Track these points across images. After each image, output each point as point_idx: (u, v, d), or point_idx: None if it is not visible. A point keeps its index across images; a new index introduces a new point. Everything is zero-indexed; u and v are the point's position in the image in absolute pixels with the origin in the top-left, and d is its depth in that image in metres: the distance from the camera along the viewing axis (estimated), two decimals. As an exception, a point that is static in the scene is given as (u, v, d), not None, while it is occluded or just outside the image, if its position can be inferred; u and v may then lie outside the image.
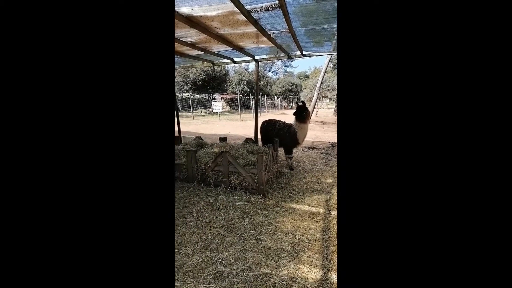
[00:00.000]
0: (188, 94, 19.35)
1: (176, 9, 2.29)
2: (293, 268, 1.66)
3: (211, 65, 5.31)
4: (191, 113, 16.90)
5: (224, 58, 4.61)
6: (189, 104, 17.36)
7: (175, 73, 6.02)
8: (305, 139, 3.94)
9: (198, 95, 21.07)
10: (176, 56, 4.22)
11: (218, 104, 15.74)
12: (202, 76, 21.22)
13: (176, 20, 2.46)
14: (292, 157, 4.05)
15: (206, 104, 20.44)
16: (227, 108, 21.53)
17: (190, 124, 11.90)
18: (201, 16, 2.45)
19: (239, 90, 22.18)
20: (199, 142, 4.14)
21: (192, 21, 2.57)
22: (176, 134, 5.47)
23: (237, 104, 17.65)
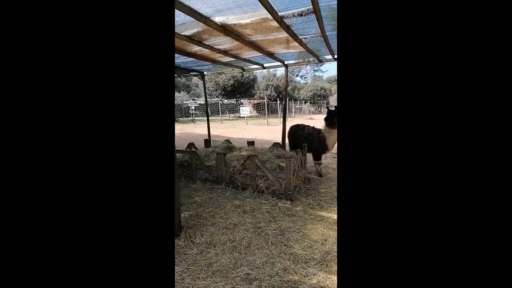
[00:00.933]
0: (217, 99, 20.06)
1: (212, 18, 2.41)
2: (323, 278, 1.60)
3: (241, 71, 5.46)
4: (220, 118, 17.46)
5: (254, 64, 4.71)
6: (218, 109, 17.96)
7: (206, 79, 6.30)
8: (335, 145, 3.81)
9: (226, 100, 21.74)
10: (208, 62, 4.43)
11: (246, 109, 16.03)
12: (231, 81, 21.85)
13: (211, 29, 2.60)
14: (321, 163, 3.94)
15: (234, 109, 20.96)
16: (254, 113, 21.81)
17: (218, 128, 12.29)
18: (235, 24, 2.55)
19: (266, 95, 22.35)
20: (228, 145, 4.25)
21: (226, 29, 2.69)
22: (206, 137, 5.71)
23: (264, 109, 17.77)
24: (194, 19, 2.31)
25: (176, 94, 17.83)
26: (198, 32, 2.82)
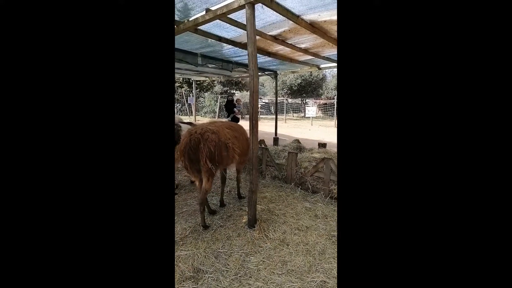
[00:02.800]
0: (282, 98, 20.16)
1: (302, 16, 2.39)
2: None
3: (317, 69, 5.28)
4: (284, 117, 17.52)
5: (334, 62, 4.46)
6: (283, 108, 18.03)
7: (277, 78, 6.35)
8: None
9: (291, 99, 21.57)
10: (285, 61, 4.46)
11: (312, 109, 15.52)
12: (299, 81, 21.51)
13: (299, 27, 2.58)
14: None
15: (298, 109, 20.62)
16: (319, 114, 20.87)
17: (282, 127, 12.34)
18: (325, 21, 2.46)
19: (335, 95, 21.04)
20: (298, 145, 4.20)
21: (314, 27, 2.62)
22: (271, 135, 5.80)
23: (331, 110, 16.76)
24: (285, 18, 2.33)
25: (244, 93, 18.83)
26: (284, 31, 2.85)
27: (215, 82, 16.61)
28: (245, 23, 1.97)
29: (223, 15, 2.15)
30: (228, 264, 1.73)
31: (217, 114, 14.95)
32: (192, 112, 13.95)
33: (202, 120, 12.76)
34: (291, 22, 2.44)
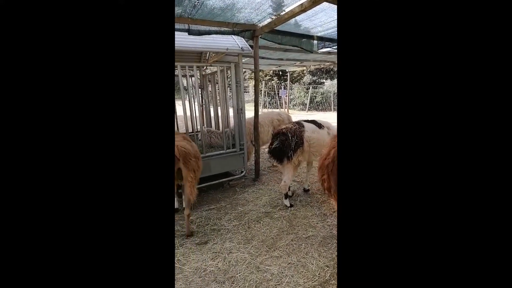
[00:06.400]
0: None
1: None
2: None
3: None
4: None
5: None
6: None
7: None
8: None
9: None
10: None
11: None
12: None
13: None
14: None
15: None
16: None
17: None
18: None
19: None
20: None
21: None
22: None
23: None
24: None
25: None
26: None
27: (305, 71, 15.66)
28: None
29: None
30: None
31: (307, 106, 14.08)
32: (282, 105, 13.69)
33: (294, 113, 12.26)
34: None
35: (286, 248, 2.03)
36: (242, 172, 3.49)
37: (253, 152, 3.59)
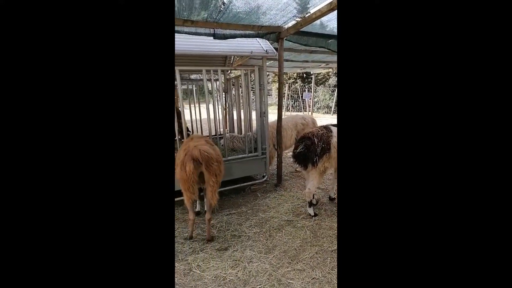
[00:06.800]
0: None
1: None
2: None
3: None
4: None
5: None
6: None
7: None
8: None
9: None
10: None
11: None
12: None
13: None
14: None
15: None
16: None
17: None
18: None
19: None
20: None
21: None
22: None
23: None
24: None
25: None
26: None
27: (330, 73, 15.18)
28: None
29: None
30: None
31: (332, 109, 13.60)
32: (306, 108, 13.39)
33: (318, 116, 11.92)
34: None
35: (310, 261, 1.91)
36: (264, 176, 3.42)
37: (276, 156, 3.50)
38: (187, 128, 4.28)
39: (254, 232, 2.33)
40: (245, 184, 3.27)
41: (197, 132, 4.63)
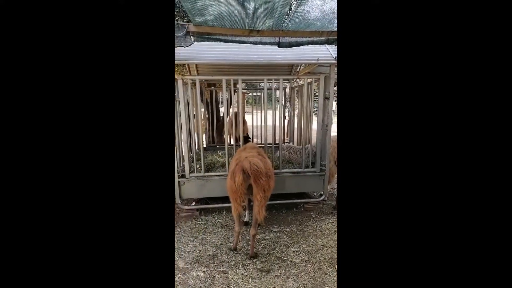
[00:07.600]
0: None
1: None
2: None
3: None
4: None
5: None
6: None
7: None
8: None
9: None
10: None
11: None
12: None
13: None
14: None
15: None
16: None
17: None
18: None
19: None
20: None
21: None
22: None
23: None
24: None
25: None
26: None
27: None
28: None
29: None
30: None
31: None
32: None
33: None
34: None
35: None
36: (321, 195, 3.08)
37: (336, 174, 3.10)
38: (247, 134, 4.34)
39: (301, 260, 2.08)
40: (298, 200, 3.03)
41: (257, 139, 4.67)
